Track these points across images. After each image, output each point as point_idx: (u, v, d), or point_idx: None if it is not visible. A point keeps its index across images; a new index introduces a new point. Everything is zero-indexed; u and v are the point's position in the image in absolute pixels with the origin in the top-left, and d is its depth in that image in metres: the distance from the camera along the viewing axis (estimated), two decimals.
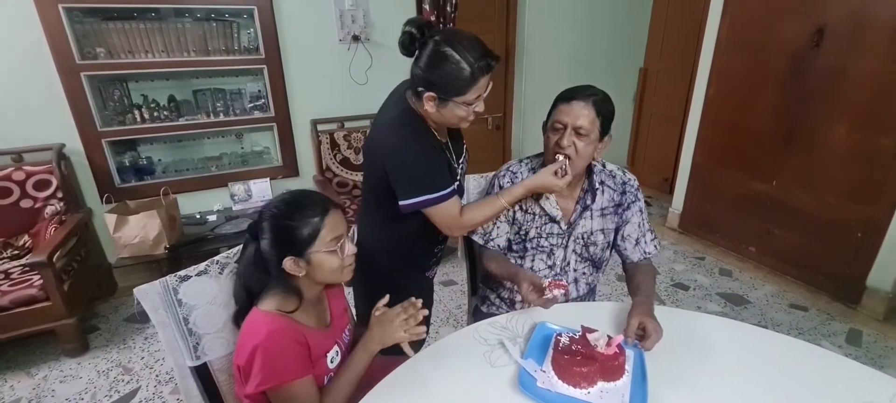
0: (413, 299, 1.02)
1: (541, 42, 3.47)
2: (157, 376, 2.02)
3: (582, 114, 1.14)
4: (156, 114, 2.50)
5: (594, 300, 1.47)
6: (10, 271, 2.07)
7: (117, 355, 2.14)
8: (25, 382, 1.98)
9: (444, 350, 1.01)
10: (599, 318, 1.13)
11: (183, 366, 1.05)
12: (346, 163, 2.91)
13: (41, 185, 2.22)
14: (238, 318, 1.01)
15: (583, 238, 1.30)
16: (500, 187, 1.32)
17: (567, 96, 1.17)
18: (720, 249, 3.04)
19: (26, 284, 1.95)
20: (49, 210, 2.22)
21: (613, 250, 1.38)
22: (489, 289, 1.48)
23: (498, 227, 1.33)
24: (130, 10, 2.30)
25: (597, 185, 1.27)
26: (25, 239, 2.23)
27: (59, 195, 2.25)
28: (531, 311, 1.18)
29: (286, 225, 0.92)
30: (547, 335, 1.05)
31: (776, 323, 2.33)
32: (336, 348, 1.04)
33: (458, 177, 1.28)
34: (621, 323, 1.11)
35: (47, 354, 2.12)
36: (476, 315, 1.52)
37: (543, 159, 1.28)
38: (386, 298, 1.05)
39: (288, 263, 0.93)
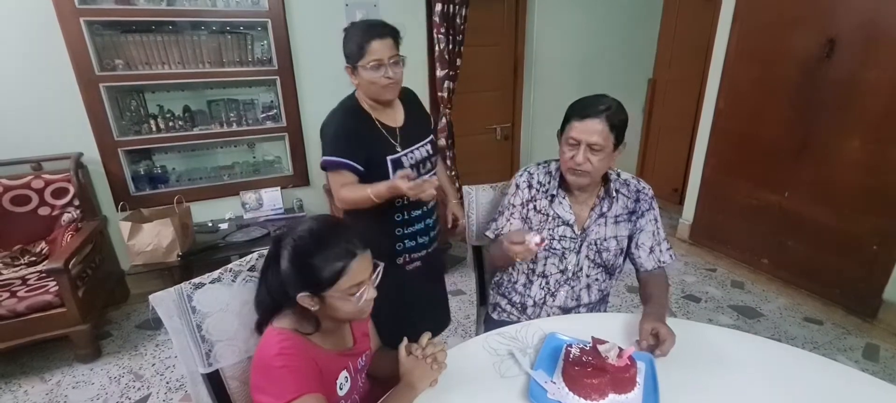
0: (431, 337, 1.01)
1: (549, 53, 3.49)
2: (167, 383, 2.03)
3: (595, 131, 1.15)
4: (171, 123, 2.55)
5: (606, 309, 1.46)
6: (26, 277, 2.11)
7: (129, 361, 2.16)
8: (39, 387, 2.01)
9: (455, 361, 1.00)
10: (610, 329, 1.13)
11: (195, 373, 1.05)
12: None
13: (59, 193, 2.27)
14: (260, 327, 0.98)
15: (596, 244, 1.31)
16: (517, 186, 1.36)
17: (581, 112, 1.19)
18: (732, 261, 3.00)
19: (42, 290, 1.98)
20: (66, 217, 2.26)
21: (627, 259, 1.38)
22: (500, 295, 1.48)
23: (509, 222, 1.35)
24: (149, 23, 2.36)
25: (614, 193, 1.28)
26: (42, 246, 2.27)
27: (76, 203, 2.29)
28: (541, 322, 1.18)
29: (306, 262, 0.88)
30: (557, 346, 1.05)
31: (790, 337, 2.29)
32: (345, 373, 1.01)
33: (403, 159, 1.41)
34: (632, 334, 1.11)
35: (61, 360, 2.15)
36: (487, 323, 1.53)
37: (559, 168, 1.29)
38: (405, 341, 1.02)
39: (302, 298, 0.89)
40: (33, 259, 2.23)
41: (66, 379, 2.05)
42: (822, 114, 2.42)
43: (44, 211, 2.26)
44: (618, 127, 1.17)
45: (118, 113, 2.46)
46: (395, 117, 1.46)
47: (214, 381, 1.07)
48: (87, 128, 2.33)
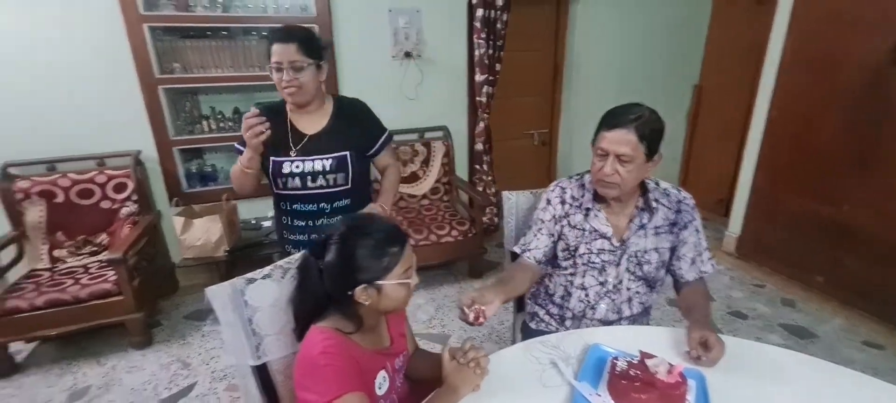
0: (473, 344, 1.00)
1: (590, 59, 3.44)
2: (212, 372, 2.12)
3: (623, 141, 1.12)
4: (221, 124, 2.67)
5: (648, 322, 1.42)
6: (88, 266, 2.26)
7: (177, 350, 2.27)
8: (96, 370, 2.13)
9: (496, 367, 1.00)
10: (657, 343, 1.09)
11: (245, 365, 1.09)
12: None
13: (119, 188, 2.41)
14: (300, 334, 1.01)
15: (636, 256, 1.27)
16: (548, 201, 1.33)
17: (609, 122, 1.16)
18: (782, 277, 2.85)
19: (102, 279, 2.11)
20: (124, 211, 2.40)
21: (668, 271, 1.34)
22: (538, 305, 1.46)
23: (537, 238, 1.33)
24: (205, 29, 2.49)
25: (653, 203, 1.25)
26: (103, 237, 2.41)
27: (134, 198, 2.43)
28: (583, 332, 1.16)
29: (361, 253, 0.90)
30: (601, 357, 1.02)
31: (848, 361, 2.15)
32: (384, 373, 1.02)
33: (285, 165, 1.44)
34: (680, 348, 1.08)
35: (115, 345, 2.27)
36: (525, 331, 1.51)
37: (591, 177, 1.27)
38: (448, 345, 1.01)
39: (359, 292, 0.91)
40: (94, 249, 2.38)
41: (120, 364, 2.17)
42: (886, 123, 2.27)
43: (105, 204, 2.40)
44: (649, 137, 1.13)
45: (174, 113, 2.59)
46: (313, 124, 1.45)
47: (262, 374, 1.12)
48: (146, 127, 2.47)
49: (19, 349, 2.22)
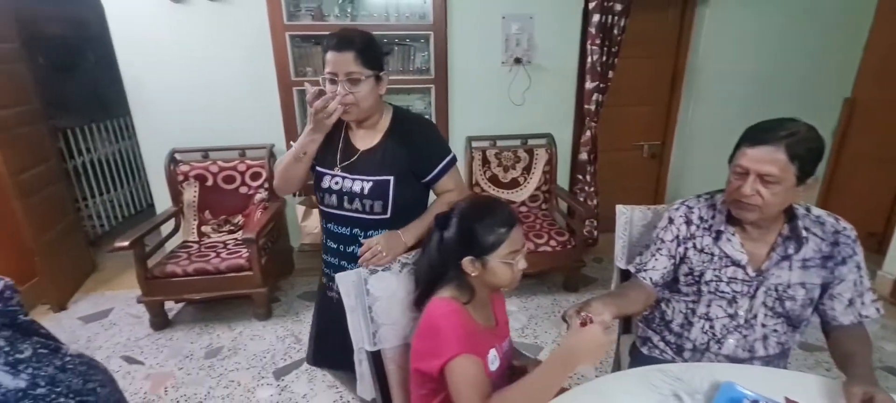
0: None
1: (717, 64, 3.12)
2: None
3: (769, 160, 1.00)
4: None
5: (786, 366, 1.26)
6: (227, 242, 2.59)
7: (291, 325, 2.50)
8: (227, 334, 2.44)
9: (613, 389, 0.96)
10: (802, 392, 0.96)
11: (362, 349, 1.18)
12: (494, 179, 2.99)
13: (255, 176, 2.73)
14: (419, 302, 1.10)
15: (777, 290, 1.14)
16: (670, 220, 1.25)
17: (753, 138, 1.04)
18: None
19: (237, 255, 2.40)
20: (258, 197, 2.71)
21: (815, 311, 1.17)
22: (652, 331, 1.37)
23: (654, 259, 1.24)
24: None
25: (803, 233, 1.10)
26: (239, 219, 2.75)
27: (267, 186, 2.73)
28: (712, 367, 1.06)
29: (473, 228, 0.99)
30: (735, 398, 0.93)
31: None
32: (494, 351, 1.06)
33: (326, 178, 1.35)
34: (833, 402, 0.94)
35: (242, 314, 2.57)
36: (634, 356, 1.43)
37: (724, 197, 1.15)
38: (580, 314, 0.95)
39: (466, 262, 1.00)
40: (232, 228, 2.72)
41: (246, 331, 2.45)
42: None
43: (243, 189, 2.74)
44: (803, 157, 0.99)
45: (302, 113, 2.87)
46: (366, 140, 1.32)
47: (376, 360, 1.19)
48: (279, 124, 2.76)
49: (171, 307, 2.61)
